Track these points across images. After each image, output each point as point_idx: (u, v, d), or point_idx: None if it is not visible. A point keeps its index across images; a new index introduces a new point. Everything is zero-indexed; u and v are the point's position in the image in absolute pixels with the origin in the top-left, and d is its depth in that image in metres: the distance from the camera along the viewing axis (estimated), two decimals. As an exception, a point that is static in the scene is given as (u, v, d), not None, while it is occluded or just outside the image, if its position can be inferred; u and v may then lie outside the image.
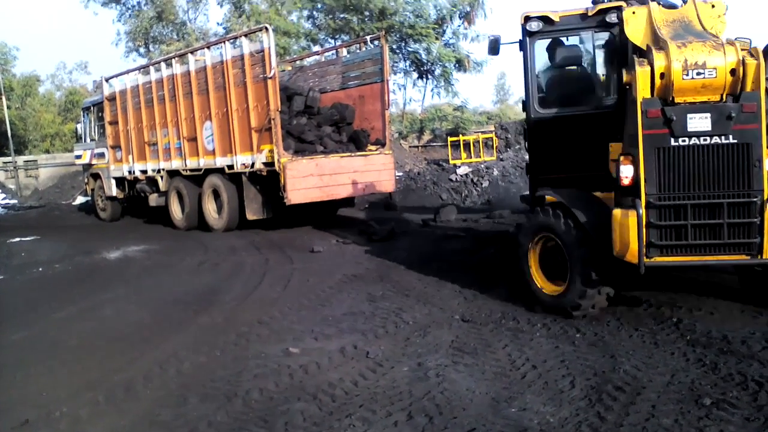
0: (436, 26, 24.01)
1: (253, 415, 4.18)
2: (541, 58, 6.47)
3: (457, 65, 24.66)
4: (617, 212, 5.15)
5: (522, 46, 6.38)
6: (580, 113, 6.33)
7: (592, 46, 6.50)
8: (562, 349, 4.95)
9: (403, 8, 23.77)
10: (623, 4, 5.82)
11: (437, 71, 25.00)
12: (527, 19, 6.18)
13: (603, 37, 6.31)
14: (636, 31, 5.46)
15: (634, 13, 5.47)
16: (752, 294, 5.72)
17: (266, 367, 5.00)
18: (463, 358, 4.93)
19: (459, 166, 18.25)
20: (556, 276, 5.88)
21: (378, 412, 4.09)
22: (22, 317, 7.08)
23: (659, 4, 5.57)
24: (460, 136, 20.81)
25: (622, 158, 5.14)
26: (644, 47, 5.28)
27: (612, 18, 5.92)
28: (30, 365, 5.41)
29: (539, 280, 6.02)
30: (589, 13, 6.04)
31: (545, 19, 6.15)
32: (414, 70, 25.50)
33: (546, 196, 6.18)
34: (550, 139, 6.40)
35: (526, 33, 6.22)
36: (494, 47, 6.85)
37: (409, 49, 24.75)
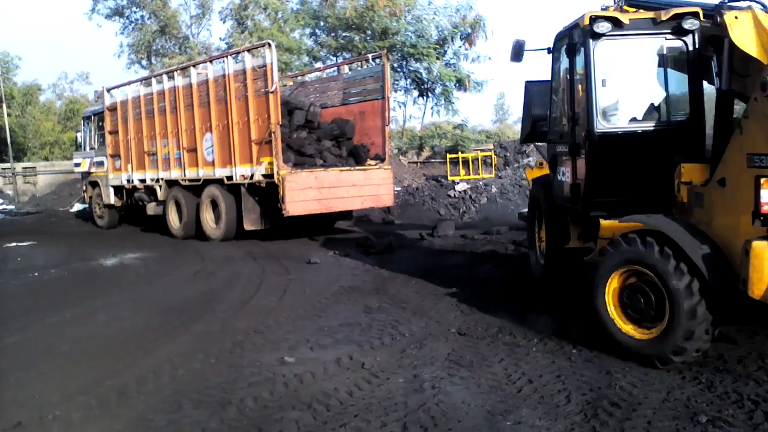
0: (438, 46, 24.20)
1: (247, 423, 4.16)
2: (604, 64, 5.69)
3: (457, 84, 24.83)
4: (760, 245, 4.27)
5: (570, 50, 5.84)
6: (648, 129, 5.71)
7: (658, 53, 5.75)
8: (558, 364, 4.94)
9: (405, 28, 23.98)
10: (698, 9, 5.41)
11: (437, 90, 25.16)
12: (593, 19, 5.53)
13: (674, 44, 5.68)
14: (745, 38, 4.79)
15: (737, 18, 4.86)
16: None
17: (261, 375, 4.98)
18: (459, 370, 4.91)
19: (457, 183, 18.30)
20: (640, 317, 4.98)
21: (373, 422, 4.07)
22: (16, 321, 7.05)
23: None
24: (459, 153, 20.90)
25: (763, 181, 4.35)
26: (759, 55, 4.70)
27: (689, 24, 5.44)
28: (23, 369, 5.38)
29: (620, 321, 5.08)
30: (663, 17, 5.51)
31: (614, 21, 5.52)
32: (414, 88, 25.67)
33: (618, 223, 5.31)
34: (612, 157, 5.69)
35: (590, 35, 5.57)
36: (518, 53, 6.61)
37: (410, 67, 24.95)
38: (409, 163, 23.49)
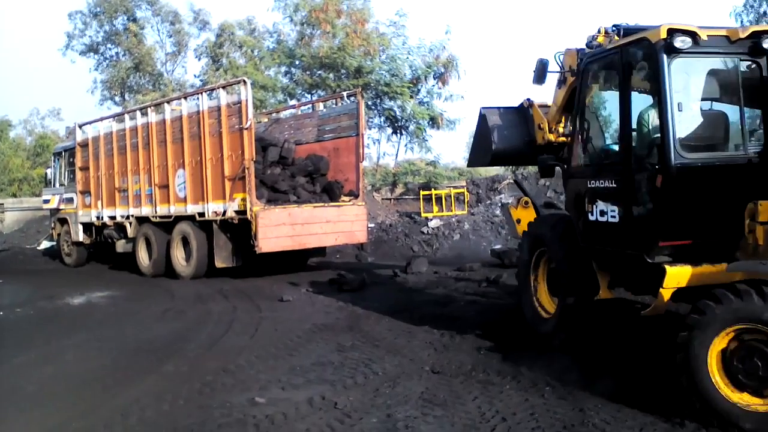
0: (411, 85, 24.51)
1: (217, 466, 4.07)
2: (678, 85, 5.04)
3: (430, 122, 25.12)
4: None
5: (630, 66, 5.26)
6: (726, 161, 5.09)
7: (733, 75, 5.22)
8: (531, 402, 4.92)
9: (379, 68, 24.30)
10: None
11: (411, 127, 25.39)
12: (671, 32, 4.89)
13: (747, 65, 5.19)
14: None
15: None
16: None
17: (231, 416, 4.88)
18: (432, 409, 4.87)
19: (431, 219, 18.38)
20: (759, 384, 4.17)
21: (345, 463, 4.01)
22: (-22, 362, 6.85)
23: None
24: (432, 190, 21.03)
25: None
26: None
27: None
28: (-16, 411, 5.22)
29: (726, 389, 4.26)
30: (740, 35, 5.00)
31: (692, 36, 4.91)
32: (388, 126, 25.89)
33: (693, 269, 4.71)
34: (688, 192, 4.95)
35: (666, 49, 4.92)
36: (541, 75, 6.49)
37: (384, 105, 25.17)
38: (382, 199, 23.55)
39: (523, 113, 8.23)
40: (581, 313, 6.09)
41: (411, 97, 24.48)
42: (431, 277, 11.39)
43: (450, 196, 20.53)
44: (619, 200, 5.43)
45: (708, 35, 4.97)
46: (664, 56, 4.95)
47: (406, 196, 23.41)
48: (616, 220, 5.45)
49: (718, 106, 5.39)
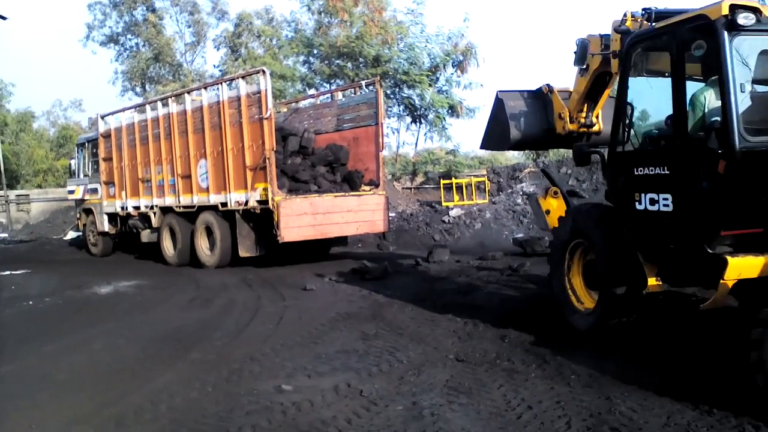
0: (430, 74, 24.41)
1: (246, 452, 4.13)
2: (739, 65, 4.75)
3: (449, 111, 25.03)
4: None
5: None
6: None
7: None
8: (557, 390, 4.93)
9: (397, 56, 24.22)
10: None
11: (430, 116, 25.33)
12: (734, 8, 4.59)
13: None
14: None
15: None
16: None
17: (258, 404, 4.94)
18: (458, 397, 4.89)
19: (451, 208, 18.36)
20: None
21: (373, 450, 4.05)
22: (11, 350, 6.98)
23: None
24: (453, 178, 21.00)
25: None
26: None
27: None
28: (19, 399, 5.32)
29: None
30: None
31: (756, 12, 4.61)
32: (407, 115, 25.84)
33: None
34: (754, 178, 4.67)
35: (728, 26, 4.64)
36: (583, 55, 6.32)
37: (403, 94, 25.12)
38: (402, 188, 23.58)
39: (541, 98, 8.06)
40: (626, 306, 5.82)
41: (430, 85, 24.37)
42: (453, 266, 11.40)
43: (471, 184, 20.52)
44: (673, 188, 5.13)
45: None
46: (726, 34, 4.65)
47: (427, 185, 23.42)
48: (669, 209, 5.15)
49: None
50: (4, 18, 16.14)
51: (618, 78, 5.89)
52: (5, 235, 23.42)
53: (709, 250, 4.82)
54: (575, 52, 6.69)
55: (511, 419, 4.44)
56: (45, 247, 19.34)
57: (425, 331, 6.91)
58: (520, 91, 8.22)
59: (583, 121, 7.66)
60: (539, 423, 4.34)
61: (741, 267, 4.62)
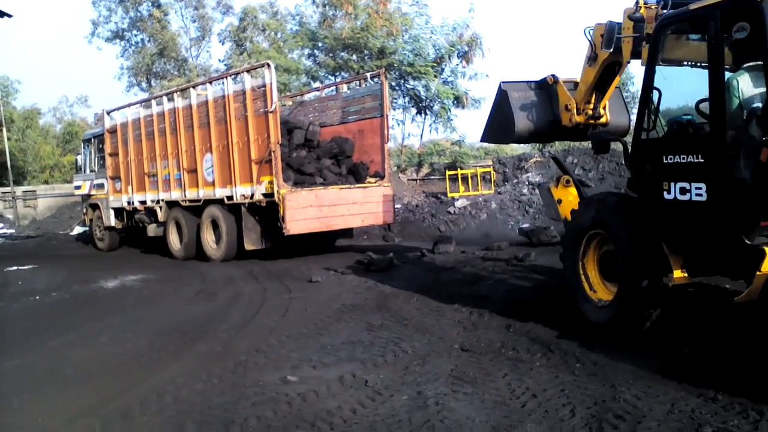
0: (435, 65, 24.32)
1: (251, 442, 4.15)
2: None
3: (455, 102, 24.96)
4: None
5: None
6: None
7: None
8: (561, 379, 4.93)
9: (402, 48, 24.15)
10: None
11: (435, 107, 25.27)
12: None
13: None
14: None
15: None
16: None
17: (264, 395, 4.96)
18: (462, 387, 4.90)
19: (457, 199, 18.33)
20: None
21: (377, 439, 4.06)
22: (18, 344, 7.03)
23: None
24: (458, 169, 20.95)
25: None
26: None
27: None
28: (26, 392, 5.36)
29: None
30: None
31: None
32: (413, 106, 25.79)
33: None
34: None
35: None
36: (610, 39, 6.15)
37: (408, 86, 25.06)
38: (408, 180, 23.54)
39: (546, 90, 7.87)
40: (648, 299, 5.61)
41: (435, 76, 24.29)
42: (458, 257, 11.39)
43: (476, 175, 20.46)
44: (707, 177, 4.91)
45: None
46: (764, 8, 4.40)
47: (432, 177, 23.37)
48: (703, 198, 4.94)
49: None
50: (9, 15, 16.09)
51: (645, 62, 5.59)
52: (12, 230, 23.53)
53: (747, 241, 4.65)
54: (602, 35, 6.44)
55: (515, 408, 4.44)
56: (52, 243, 19.42)
57: (430, 322, 6.92)
58: (524, 82, 8.04)
59: (590, 112, 7.49)
60: (543, 411, 4.34)
61: None
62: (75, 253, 17.11)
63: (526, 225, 14.92)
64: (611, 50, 6.58)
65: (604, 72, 7.14)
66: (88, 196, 17.49)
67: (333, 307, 7.89)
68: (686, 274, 5.44)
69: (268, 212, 11.71)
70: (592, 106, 7.52)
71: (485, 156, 24.83)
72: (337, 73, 24.93)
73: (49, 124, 42.80)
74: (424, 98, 25.08)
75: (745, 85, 4.91)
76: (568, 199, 7.69)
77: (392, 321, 7.06)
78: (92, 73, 72.60)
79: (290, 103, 16.38)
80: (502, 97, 7.91)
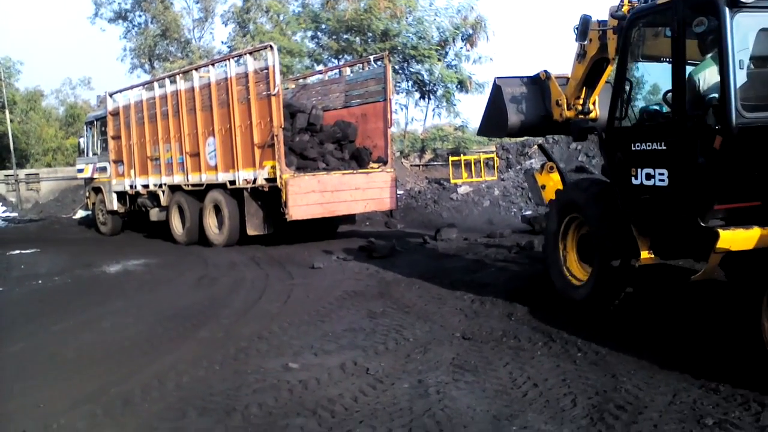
0: (439, 48, 24.17)
1: (252, 430, 4.15)
2: (738, 42, 4.78)
3: (459, 86, 24.82)
4: None
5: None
6: None
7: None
8: (563, 368, 4.92)
9: (405, 30, 23.98)
10: None
11: (439, 92, 25.16)
12: None
13: None
14: None
15: None
16: None
17: (265, 381, 4.96)
18: (463, 375, 4.90)
19: (460, 186, 18.29)
20: None
21: (378, 428, 4.06)
22: (20, 329, 7.05)
23: None
24: (461, 155, 20.89)
25: None
26: None
27: None
28: (28, 377, 5.38)
29: None
30: None
31: None
32: (416, 91, 25.65)
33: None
34: (748, 154, 4.76)
35: (729, 3, 4.74)
36: (584, 31, 6.34)
37: (412, 69, 24.93)
38: (411, 166, 23.50)
39: (539, 85, 8.11)
40: (619, 278, 5.93)
41: (439, 60, 24.16)
42: (461, 244, 11.37)
43: (479, 161, 20.39)
44: (669, 163, 5.24)
45: None
46: (728, 10, 4.72)
47: (435, 162, 23.33)
48: (665, 183, 5.29)
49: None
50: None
51: (617, 55, 5.96)
52: (15, 214, 23.58)
53: (702, 224, 4.94)
54: (576, 28, 6.69)
55: (516, 397, 4.44)
56: (54, 226, 19.45)
57: (432, 309, 6.91)
58: (517, 77, 8.32)
59: (580, 107, 7.74)
60: (545, 401, 4.34)
61: (731, 239, 4.75)
62: (78, 237, 17.14)
63: (529, 212, 14.88)
64: (585, 42, 6.79)
65: (593, 68, 7.36)
66: (91, 179, 17.48)
67: (335, 293, 7.89)
68: (653, 256, 5.72)
69: (271, 197, 11.69)
70: (582, 101, 7.74)
71: (488, 142, 24.73)
72: (340, 56, 24.79)
73: (52, 106, 42.74)
74: (428, 82, 24.96)
75: (706, 77, 5.16)
76: (551, 184, 8.03)
77: (394, 308, 7.05)
78: (95, 55, 72.48)
79: (293, 86, 16.31)
80: (496, 92, 8.17)
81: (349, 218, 13.43)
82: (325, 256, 10.71)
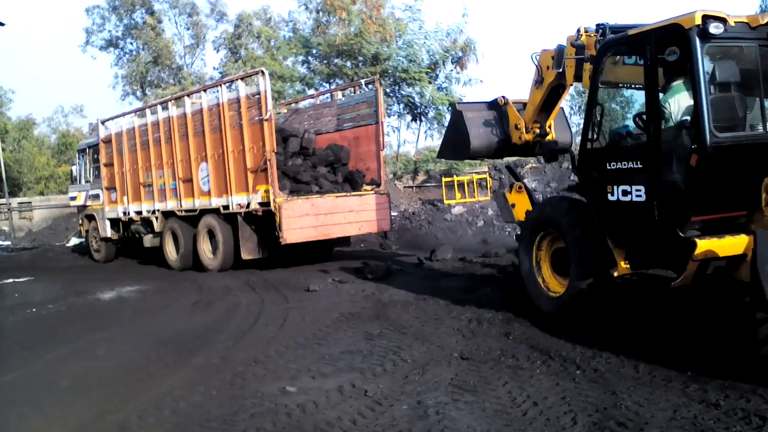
0: (429, 71, 24.31)
1: (251, 455, 4.11)
2: (709, 68, 5.30)
3: (450, 108, 24.93)
4: None
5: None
6: (753, 140, 5.38)
7: (754, 60, 5.47)
8: (562, 386, 4.91)
9: (396, 54, 24.13)
10: None
11: (430, 114, 25.26)
12: (707, 19, 5.11)
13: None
14: None
15: None
16: None
17: (263, 406, 4.93)
18: (462, 395, 4.87)
19: (454, 206, 18.32)
20: None
21: (378, 450, 4.03)
22: (14, 357, 6.97)
23: None
24: (454, 176, 20.91)
25: None
26: None
27: None
28: (23, 405, 5.31)
29: None
30: (761, 21, 5.26)
31: (724, 22, 5.15)
32: (408, 113, 25.76)
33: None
34: (721, 170, 5.26)
35: (700, 35, 5.14)
36: (560, 60, 6.69)
37: (403, 92, 25.03)
38: (404, 187, 23.49)
39: (498, 110, 8.52)
40: (596, 289, 6.26)
41: (429, 82, 24.29)
42: (456, 264, 11.37)
43: (472, 182, 20.42)
44: (645, 180, 5.61)
45: (734, 21, 5.22)
46: (698, 41, 5.16)
47: (428, 184, 23.32)
48: (642, 199, 5.66)
49: (742, 89, 5.51)
50: (2, 24, 16.07)
51: (588, 82, 6.36)
52: (8, 243, 23.44)
53: (681, 234, 5.34)
54: (553, 57, 7.09)
55: (516, 416, 4.42)
56: (48, 254, 19.31)
57: (429, 330, 6.89)
58: (477, 102, 8.86)
59: (538, 131, 8.15)
60: (545, 419, 4.32)
61: (707, 247, 5.18)
62: (71, 265, 17.03)
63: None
64: (560, 70, 7.12)
65: (550, 94, 7.77)
66: (84, 207, 17.42)
67: (331, 316, 7.86)
68: (629, 266, 6.06)
69: (265, 221, 11.67)
70: (539, 125, 8.15)
71: (481, 162, 24.81)
72: (332, 80, 24.92)
73: (44, 134, 42.77)
74: (419, 105, 25.07)
75: (677, 101, 5.61)
76: (521, 203, 8.40)
77: (391, 330, 7.03)
78: (87, 83, 72.56)
79: (285, 110, 16.36)
80: (457, 117, 8.60)
81: (344, 241, 13.41)
82: (321, 279, 10.68)
